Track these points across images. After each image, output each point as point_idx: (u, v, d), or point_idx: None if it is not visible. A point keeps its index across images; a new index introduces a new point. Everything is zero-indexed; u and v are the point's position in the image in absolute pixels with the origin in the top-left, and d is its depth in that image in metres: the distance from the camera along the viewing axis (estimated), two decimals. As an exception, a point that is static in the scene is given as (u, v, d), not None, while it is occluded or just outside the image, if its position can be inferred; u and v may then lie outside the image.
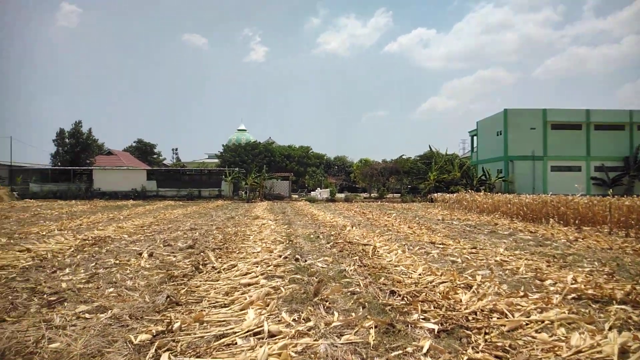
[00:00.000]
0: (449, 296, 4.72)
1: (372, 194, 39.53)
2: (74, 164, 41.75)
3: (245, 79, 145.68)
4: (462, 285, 5.26)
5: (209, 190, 36.35)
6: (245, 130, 71.42)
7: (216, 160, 59.22)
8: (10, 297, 4.75)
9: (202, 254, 7.64)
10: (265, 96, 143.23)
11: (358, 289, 5.14)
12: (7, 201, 28.89)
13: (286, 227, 12.54)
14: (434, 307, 4.35)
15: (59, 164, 42.76)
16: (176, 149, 77.57)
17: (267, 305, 4.25)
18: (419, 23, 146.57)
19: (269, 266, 6.32)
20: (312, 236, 10.59)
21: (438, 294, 4.80)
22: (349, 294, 4.97)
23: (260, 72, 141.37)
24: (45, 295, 4.83)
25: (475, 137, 43.32)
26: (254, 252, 7.61)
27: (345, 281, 5.60)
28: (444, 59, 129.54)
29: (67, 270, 6.19)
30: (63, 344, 3.35)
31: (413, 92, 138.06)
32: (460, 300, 4.56)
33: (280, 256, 7.17)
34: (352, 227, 12.30)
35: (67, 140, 43.77)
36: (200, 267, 6.41)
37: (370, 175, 41.01)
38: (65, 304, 4.53)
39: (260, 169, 37.73)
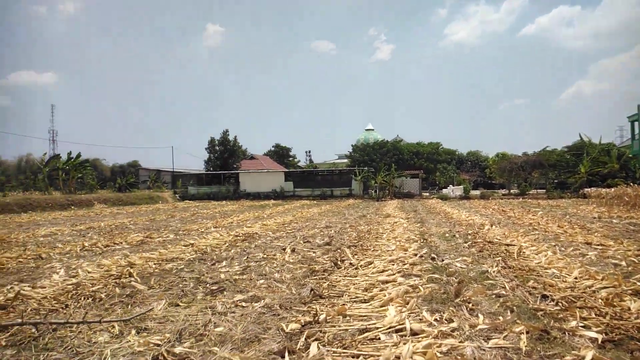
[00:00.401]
0: (614, 303, 4.17)
1: (511, 191, 36.65)
2: (223, 168, 46.52)
3: (372, 79, 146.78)
4: (630, 291, 4.60)
5: (340, 189, 37.44)
6: (373, 129, 71.85)
7: (346, 160, 60.66)
8: (180, 286, 5.51)
9: (338, 250, 7.93)
10: (392, 94, 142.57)
11: (504, 292, 4.83)
12: (171, 202, 33.45)
13: (419, 226, 12.33)
14: (595, 315, 3.89)
15: (211, 169, 48.05)
16: (309, 151, 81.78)
17: (407, 304, 4.24)
18: (560, 1, 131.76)
19: (404, 264, 6.29)
20: (447, 235, 10.24)
21: (600, 300, 4.28)
22: (493, 296, 4.71)
23: (387, 70, 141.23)
24: (208, 285, 5.49)
25: (636, 123, 37.35)
26: (388, 250, 7.64)
27: (488, 283, 5.31)
28: (592, 37, 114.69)
29: (224, 263, 6.94)
30: (225, 329, 3.77)
31: (555, 76, 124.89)
32: (629, 309, 4.00)
33: (415, 255, 7.08)
34: (492, 226, 11.58)
35: (217, 147, 48.95)
36: (339, 263, 6.66)
37: (509, 170, 38.03)
38: (225, 293, 5.09)
39: (389, 168, 37.64)
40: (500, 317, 3.90)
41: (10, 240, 10.53)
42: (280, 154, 72.04)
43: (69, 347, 3.41)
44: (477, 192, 35.97)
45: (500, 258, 6.85)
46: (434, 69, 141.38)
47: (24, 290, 5.04)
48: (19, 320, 3.87)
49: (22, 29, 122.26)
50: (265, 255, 7.54)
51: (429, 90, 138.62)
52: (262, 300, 4.64)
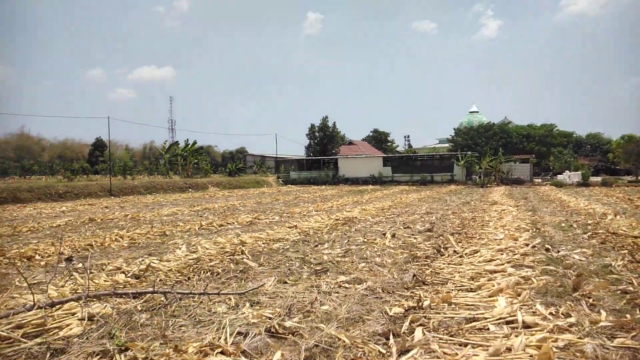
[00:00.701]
0: None
1: (639, 177, 32.45)
2: (323, 154, 47.60)
3: (476, 58, 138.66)
4: None
5: (440, 175, 36.20)
6: (477, 111, 68.12)
7: (447, 145, 58.42)
8: (287, 264, 5.80)
9: (441, 237, 7.73)
10: (499, 74, 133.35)
11: (631, 288, 4.35)
12: (275, 186, 35.12)
13: (530, 214, 11.49)
14: None
15: (311, 154, 49.44)
16: (408, 136, 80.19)
17: (518, 295, 4.02)
18: None
19: (515, 254, 5.94)
20: (563, 225, 9.42)
21: None
22: (618, 292, 4.26)
23: (493, 48, 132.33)
24: (312, 265, 5.71)
25: None
26: (495, 239, 7.26)
27: (612, 278, 4.81)
28: None
29: (325, 245, 7.16)
30: (330, 307, 3.91)
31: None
32: None
33: (526, 245, 6.64)
34: (616, 216, 10.40)
35: (316, 133, 50.18)
36: (442, 250, 6.50)
37: (637, 154, 33.66)
38: (328, 273, 5.26)
39: (495, 152, 35.44)
40: (628, 315, 3.53)
41: (139, 219, 11.90)
42: (378, 139, 71.65)
43: (192, 315, 3.79)
44: (597, 179, 32.42)
45: (626, 251, 6.15)
46: (548, 44, 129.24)
47: (153, 263, 5.70)
48: (151, 289, 4.38)
49: (144, 27, 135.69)
50: (365, 240, 7.62)
51: (541, 68, 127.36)
52: (365, 283, 4.71)
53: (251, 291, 4.42)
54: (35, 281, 5.06)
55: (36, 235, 9.05)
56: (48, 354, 3.02)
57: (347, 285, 4.68)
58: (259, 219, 11.10)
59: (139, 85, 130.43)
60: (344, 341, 3.09)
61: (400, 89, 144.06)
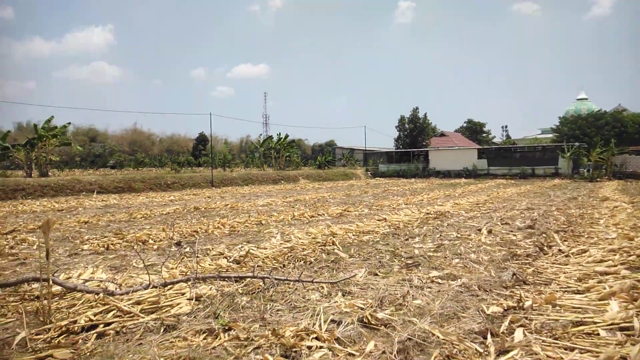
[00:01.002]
0: None
1: None
2: (412, 146, 46.60)
3: (585, 40, 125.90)
4: None
5: (543, 168, 33.58)
6: (586, 99, 61.93)
7: (550, 135, 53.99)
8: (377, 257, 5.81)
9: (543, 235, 7.21)
10: (612, 56, 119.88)
11: None
12: (363, 179, 35.18)
13: (650, 212, 10.26)
14: None
15: (401, 147, 48.64)
16: (506, 126, 75.65)
17: (635, 300, 3.63)
18: None
19: (630, 255, 5.36)
20: (692, 225, 8.28)
21: None
22: None
23: (606, 27, 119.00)
24: (402, 259, 5.67)
25: None
26: (607, 239, 6.61)
27: None
28: None
29: (416, 239, 7.04)
30: (423, 302, 3.86)
31: None
32: None
33: (646, 246, 5.96)
34: None
35: (406, 125, 49.22)
36: (545, 248, 6.07)
37: None
38: (420, 268, 5.18)
39: (606, 143, 32.02)
40: None
41: (238, 208, 12.65)
42: (472, 130, 68.36)
43: (288, 301, 3.98)
44: None
45: None
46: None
47: (252, 250, 6.04)
48: (250, 274, 4.66)
49: (241, 27, 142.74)
50: (459, 235, 7.36)
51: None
52: (459, 279, 4.57)
53: (343, 281, 4.51)
54: (149, 263, 5.62)
55: (149, 221, 10.04)
56: (162, 329, 3.36)
57: (440, 280, 4.59)
58: (348, 211, 11.22)
59: (236, 82, 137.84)
60: (438, 337, 3.04)
61: (498, 76, 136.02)
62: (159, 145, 67.16)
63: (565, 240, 6.60)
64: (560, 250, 5.91)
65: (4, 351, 3.05)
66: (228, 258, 5.72)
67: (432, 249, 6.22)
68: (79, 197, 18.32)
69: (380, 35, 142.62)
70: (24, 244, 7.23)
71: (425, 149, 44.14)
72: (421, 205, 12.42)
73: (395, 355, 2.79)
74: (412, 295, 4.04)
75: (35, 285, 4.43)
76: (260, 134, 47.72)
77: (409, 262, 5.46)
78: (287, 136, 39.64)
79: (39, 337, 3.22)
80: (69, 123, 27.62)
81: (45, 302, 3.69)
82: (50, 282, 3.91)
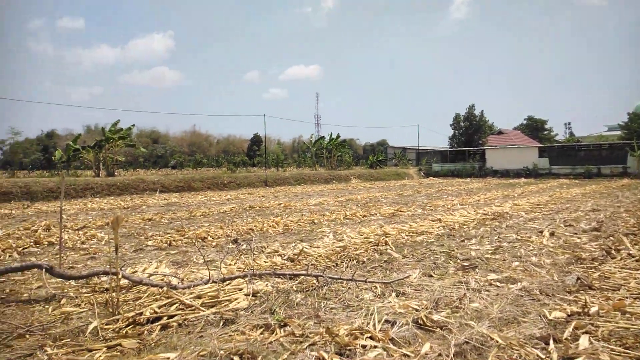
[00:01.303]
0: None
1: None
2: (468, 144, 45.24)
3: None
4: None
5: (609, 167, 31.45)
6: (661, 92, 57.25)
7: (618, 132, 50.46)
8: (432, 258, 5.71)
9: (611, 238, 6.79)
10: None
11: None
12: (416, 179, 34.58)
13: None
14: None
15: (455, 145, 47.38)
16: (569, 123, 71.60)
17: None
18: None
19: None
20: None
21: None
22: None
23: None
24: (458, 260, 5.53)
25: None
26: (686, 243, 6.11)
27: None
28: None
29: (473, 241, 6.85)
30: (481, 305, 3.76)
31: None
32: None
33: None
34: None
35: (461, 123, 47.89)
36: (613, 252, 5.71)
37: None
38: (477, 270, 5.04)
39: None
40: None
41: (290, 207, 12.86)
42: (533, 128, 65.22)
43: (341, 300, 4.01)
44: None
45: None
46: None
47: (305, 248, 6.13)
48: (304, 272, 4.74)
49: (294, 28, 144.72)
50: (518, 237, 7.08)
51: None
52: (519, 283, 4.41)
53: (396, 281, 4.48)
54: (209, 259, 5.85)
55: (207, 219, 10.43)
56: (221, 323, 3.50)
57: (498, 284, 4.44)
58: (401, 211, 11.09)
59: (288, 84, 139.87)
60: (497, 341, 2.96)
61: (561, 71, 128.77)
62: (216, 146, 69.60)
63: (635, 244, 6.17)
64: (629, 254, 5.53)
65: (79, 338, 3.29)
66: (282, 256, 5.85)
67: (489, 251, 6.03)
68: (142, 195, 19.36)
69: (433, 32, 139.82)
70: (93, 239, 7.75)
71: (482, 147, 42.67)
72: (478, 206, 12.05)
73: (452, 358, 2.74)
74: (469, 298, 3.94)
75: (105, 278, 4.74)
76: (312, 134, 48.11)
77: (466, 264, 5.32)
78: (338, 136, 39.73)
79: (108, 326, 3.46)
80: (133, 125, 29.24)
81: (114, 294, 3.95)
82: (120, 275, 4.18)
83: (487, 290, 4.21)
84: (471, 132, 47.02)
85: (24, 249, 6.93)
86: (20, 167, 41.51)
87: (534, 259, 5.50)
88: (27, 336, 3.33)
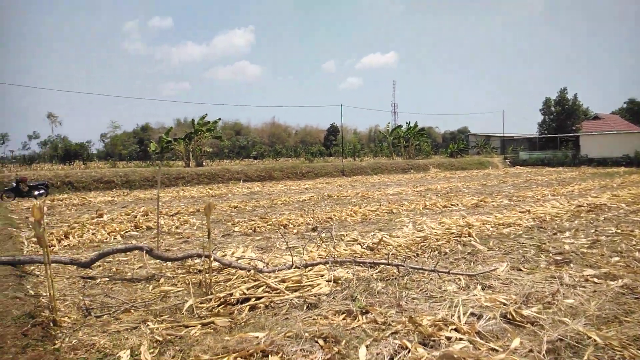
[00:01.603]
0: None
1: None
2: (559, 131, 41.96)
3: None
4: None
5: None
6: None
7: None
8: (520, 251, 5.43)
9: None
10: None
11: None
12: (501, 168, 32.81)
13: None
14: None
15: (545, 132, 44.18)
16: (680, 106, 63.24)
17: None
18: None
19: None
20: None
21: None
22: None
23: None
24: (550, 254, 5.21)
25: None
26: None
27: None
28: None
29: (566, 234, 6.39)
30: (576, 302, 3.52)
31: None
32: None
33: None
34: None
35: (552, 108, 44.45)
36: None
37: None
38: (571, 265, 4.71)
39: None
40: None
41: (368, 197, 12.85)
42: (635, 112, 58.76)
43: (423, 290, 3.96)
44: None
45: None
46: None
47: (385, 237, 6.12)
48: (385, 261, 4.74)
49: (369, 17, 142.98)
50: (619, 230, 6.49)
51: None
52: (620, 280, 4.06)
53: (482, 274, 4.33)
54: (291, 245, 6.06)
55: (288, 207, 10.77)
56: (305, 307, 3.62)
57: (596, 280, 4.13)
58: (485, 202, 10.62)
59: (365, 73, 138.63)
60: (595, 340, 2.76)
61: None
62: (294, 136, 71.24)
63: None
64: None
65: (177, 315, 3.59)
66: (362, 244, 5.89)
67: (586, 245, 5.60)
68: (228, 184, 20.41)
69: (519, 10, 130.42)
70: (186, 224, 8.35)
71: (576, 134, 39.37)
72: (571, 197, 11.19)
73: (544, 355, 2.61)
74: (563, 294, 3.71)
75: (198, 260, 5.10)
76: (389, 123, 47.17)
77: (559, 258, 5.00)
78: (416, 124, 38.77)
79: (202, 305, 3.73)
80: (219, 119, 30.85)
81: (207, 275, 4.25)
82: (212, 258, 4.48)
83: (583, 287, 3.93)
84: (563, 118, 43.40)
85: (125, 232, 7.65)
86: (120, 158, 45.61)
87: (637, 254, 5.02)
88: (132, 311, 3.69)
